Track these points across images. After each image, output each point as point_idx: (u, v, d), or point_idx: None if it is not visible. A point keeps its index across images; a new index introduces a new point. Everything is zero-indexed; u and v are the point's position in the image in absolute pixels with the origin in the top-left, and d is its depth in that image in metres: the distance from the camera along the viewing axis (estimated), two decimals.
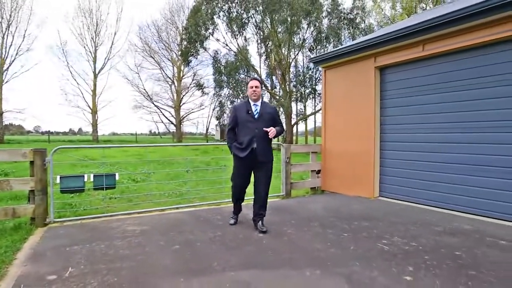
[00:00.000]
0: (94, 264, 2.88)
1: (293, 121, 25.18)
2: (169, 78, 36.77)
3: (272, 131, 3.75)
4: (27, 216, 4.20)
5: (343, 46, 6.45)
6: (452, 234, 3.69)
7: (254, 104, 3.89)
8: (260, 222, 3.89)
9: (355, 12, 23.94)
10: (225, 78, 23.60)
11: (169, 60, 36.11)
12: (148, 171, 9.51)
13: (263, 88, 25.72)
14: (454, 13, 4.29)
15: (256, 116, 3.82)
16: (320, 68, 6.35)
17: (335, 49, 7.42)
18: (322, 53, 7.27)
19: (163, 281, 2.55)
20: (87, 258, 3.02)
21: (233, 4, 22.20)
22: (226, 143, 4.08)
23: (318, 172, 6.79)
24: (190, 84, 35.71)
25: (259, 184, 3.90)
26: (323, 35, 22.77)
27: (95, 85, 32.42)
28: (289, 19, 20.02)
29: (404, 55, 5.16)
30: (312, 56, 21.78)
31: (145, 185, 7.25)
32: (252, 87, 3.88)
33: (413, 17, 7.93)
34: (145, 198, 5.93)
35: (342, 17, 23.50)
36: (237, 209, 4.25)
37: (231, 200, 4.29)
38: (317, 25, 21.98)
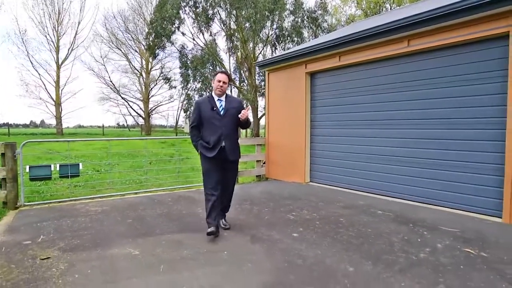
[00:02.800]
0: (62, 233, 3.69)
1: (260, 115, 26.18)
2: (137, 70, 36.54)
3: (246, 113, 3.62)
4: (0, 201, 4.87)
5: (281, 54, 7.45)
6: (348, 208, 4.81)
7: (218, 100, 3.67)
8: (223, 219, 3.87)
9: (318, 12, 25.20)
10: (191, 72, 24.09)
11: (136, 51, 35.84)
12: (112, 162, 10.14)
13: (231, 83, 26.57)
14: (360, 32, 5.38)
15: (222, 113, 3.62)
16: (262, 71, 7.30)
17: (275, 55, 8.41)
18: (264, 59, 8.20)
19: (115, 241, 3.42)
20: (55, 230, 3.82)
21: None
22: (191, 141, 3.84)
23: (264, 162, 7.81)
24: (159, 77, 35.72)
25: (226, 183, 3.80)
26: (286, 33, 23.87)
27: (58, 76, 31.56)
28: (253, 16, 20.84)
29: (327, 64, 6.23)
30: (258, 60, 22.93)
31: (108, 175, 7.94)
32: (220, 81, 3.62)
33: (333, 33, 9.09)
34: (107, 185, 6.68)
35: (306, 16, 24.69)
36: (215, 213, 3.60)
37: (205, 208, 3.67)
38: (279, 23, 22.99)
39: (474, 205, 4.40)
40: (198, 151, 3.75)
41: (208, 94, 3.76)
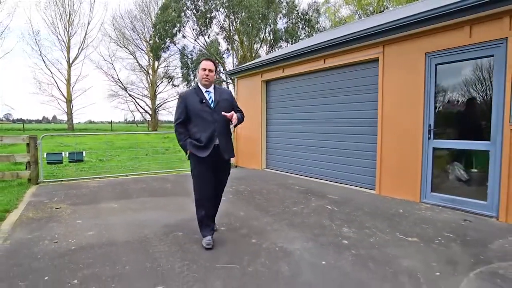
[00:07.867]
0: (69, 197, 5.50)
1: None
2: (144, 68, 38.47)
3: (234, 116, 3.19)
4: (25, 178, 6.72)
5: (244, 65, 9.15)
6: (277, 185, 6.51)
7: (206, 91, 3.27)
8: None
9: (311, 15, 26.64)
10: (191, 72, 25.85)
11: (143, 50, 37.72)
12: (113, 153, 12.02)
13: (230, 81, 28.29)
14: (293, 51, 7.04)
15: (212, 106, 3.22)
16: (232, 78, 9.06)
17: (240, 66, 10.11)
18: (232, 69, 9.87)
19: (104, 201, 5.22)
20: (65, 195, 5.63)
21: (199, 3, 24.41)
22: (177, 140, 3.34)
23: None
24: (164, 75, 37.58)
25: (219, 187, 3.44)
26: (280, 34, 25.45)
27: (69, 74, 33.75)
28: (247, 21, 22.46)
29: (275, 74, 7.92)
30: (228, 69, 24.67)
31: (108, 163, 9.80)
32: (205, 70, 3.22)
33: (280, 50, 10.72)
34: (106, 169, 8.52)
35: (299, 18, 26.20)
36: (209, 226, 3.34)
37: (198, 224, 3.36)
38: (272, 27, 24.54)
39: (360, 182, 6.06)
40: (186, 152, 3.28)
41: (194, 85, 3.45)
